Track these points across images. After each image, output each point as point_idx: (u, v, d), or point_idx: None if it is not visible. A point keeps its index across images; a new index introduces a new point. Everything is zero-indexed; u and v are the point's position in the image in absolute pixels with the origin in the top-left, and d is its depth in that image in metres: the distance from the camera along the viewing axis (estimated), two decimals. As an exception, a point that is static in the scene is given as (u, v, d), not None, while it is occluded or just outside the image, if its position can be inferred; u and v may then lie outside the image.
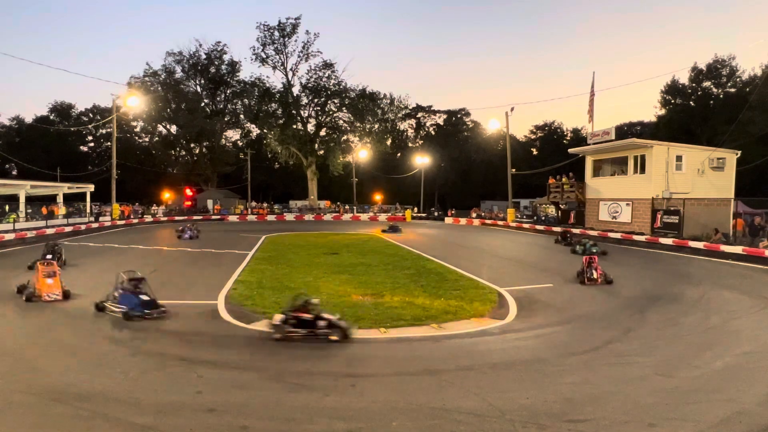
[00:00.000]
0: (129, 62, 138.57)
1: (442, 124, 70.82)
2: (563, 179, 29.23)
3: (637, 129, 60.41)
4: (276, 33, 46.66)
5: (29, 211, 26.98)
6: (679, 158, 23.48)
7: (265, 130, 49.89)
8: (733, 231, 19.81)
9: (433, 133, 70.40)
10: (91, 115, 64.35)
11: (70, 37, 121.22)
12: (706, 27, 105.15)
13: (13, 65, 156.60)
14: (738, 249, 16.91)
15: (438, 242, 23.59)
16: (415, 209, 47.97)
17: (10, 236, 20.22)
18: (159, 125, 57.61)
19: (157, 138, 59.85)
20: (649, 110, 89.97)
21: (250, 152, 54.63)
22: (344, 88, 48.30)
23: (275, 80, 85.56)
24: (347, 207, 47.73)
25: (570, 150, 29.66)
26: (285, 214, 44.00)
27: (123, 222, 32.63)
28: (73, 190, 32.39)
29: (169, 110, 54.10)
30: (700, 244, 18.44)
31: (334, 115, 50.37)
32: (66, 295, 9.78)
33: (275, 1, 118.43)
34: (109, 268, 14.19)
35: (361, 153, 49.94)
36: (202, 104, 57.05)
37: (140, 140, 64.21)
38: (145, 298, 8.58)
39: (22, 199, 26.37)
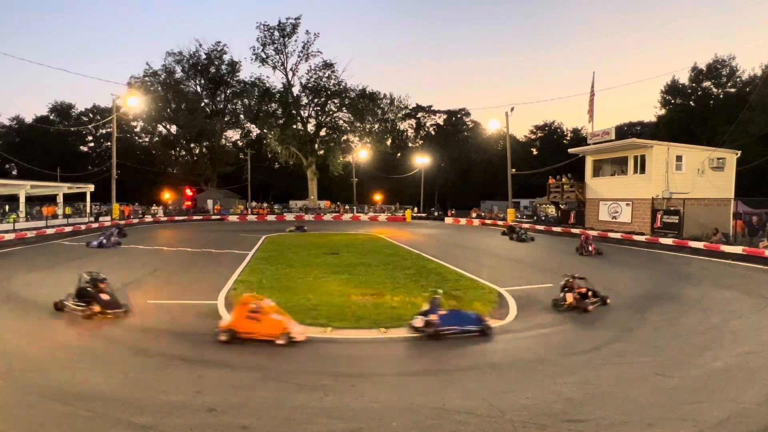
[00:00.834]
0: (129, 62, 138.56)
1: (442, 124, 70.83)
2: (563, 179, 29.22)
3: (637, 129, 60.43)
4: (276, 33, 46.72)
5: (35, 209, 27.07)
6: (679, 158, 23.48)
7: (265, 130, 49.90)
8: (733, 231, 19.82)
9: (433, 133, 70.42)
10: (91, 115, 64.37)
11: (70, 37, 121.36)
12: (706, 27, 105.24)
13: (13, 65, 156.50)
14: (738, 249, 16.91)
15: (438, 242, 23.58)
16: (415, 209, 47.98)
17: (10, 236, 20.22)
18: (159, 125, 57.63)
19: (157, 138, 59.87)
20: (649, 110, 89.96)
21: (250, 152, 54.63)
22: (344, 88, 48.36)
23: (275, 80, 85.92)
24: (347, 207, 47.73)
25: (570, 150, 29.65)
26: (285, 214, 44.03)
27: (123, 222, 32.59)
28: (73, 190, 32.39)
29: (169, 110, 54.12)
30: (700, 244, 18.44)
31: (334, 115, 50.41)
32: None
33: (275, 1, 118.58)
34: (109, 267, 14.21)
35: (361, 153, 49.95)
36: (202, 104, 57.07)
37: (140, 140, 64.23)
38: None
39: (22, 199, 26.37)
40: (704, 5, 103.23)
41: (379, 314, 8.85)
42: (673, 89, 51.87)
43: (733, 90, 47.77)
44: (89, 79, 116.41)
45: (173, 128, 57.07)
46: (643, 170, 23.73)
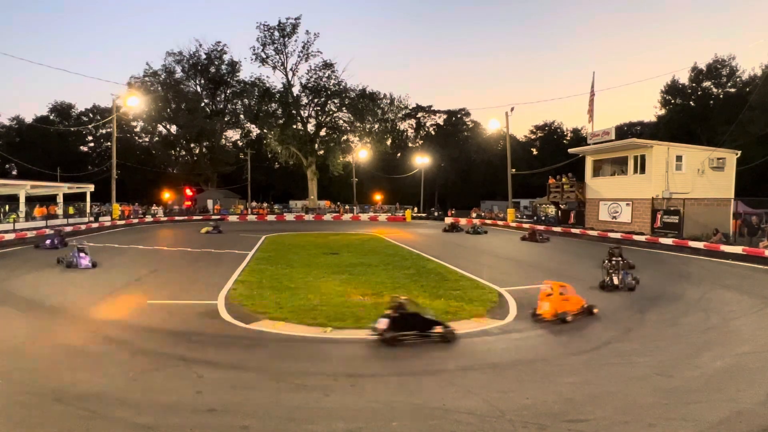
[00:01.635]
0: (129, 62, 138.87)
1: (442, 124, 70.86)
2: (563, 179, 29.22)
3: (637, 129, 60.46)
4: (276, 33, 46.72)
5: (39, 211, 27.07)
6: (679, 158, 23.49)
7: (265, 130, 49.90)
8: (733, 231, 19.82)
9: (433, 133, 70.44)
10: (91, 115, 64.41)
11: (70, 37, 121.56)
12: (706, 27, 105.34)
13: (13, 65, 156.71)
14: (738, 249, 16.90)
15: (438, 242, 23.58)
16: (415, 209, 47.98)
17: (10, 236, 20.23)
18: (159, 125, 57.68)
19: (157, 138, 59.90)
20: (649, 110, 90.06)
21: (250, 152, 54.65)
22: (344, 88, 48.35)
23: (275, 80, 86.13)
24: (347, 207, 47.73)
25: (570, 150, 29.66)
26: (285, 214, 44.02)
27: (123, 222, 32.64)
28: (73, 190, 32.39)
29: (169, 110, 54.15)
30: (700, 244, 18.44)
31: (334, 115, 50.40)
32: None
33: (275, 1, 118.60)
34: (109, 267, 14.22)
35: (361, 153, 49.96)
36: (202, 104, 57.10)
37: (140, 140, 64.26)
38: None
39: (22, 199, 26.36)
40: (704, 5, 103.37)
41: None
42: (673, 89, 51.90)
43: (733, 90, 47.79)
44: (89, 79, 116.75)
45: (173, 128, 57.12)
46: (643, 170, 23.73)
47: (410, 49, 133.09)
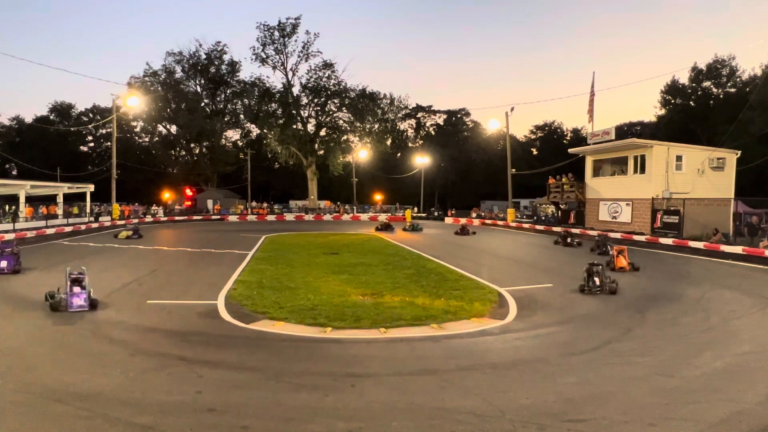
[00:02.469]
0: (129, 62, 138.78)
1: (442, 124, 70.82)
2: (563, 179, 29.22)
3: (637, 129, 60.44)
4: (276, 33, 46.70)
5: (38, 209, 27.05)
6: (679, 158, 23.47)
7: (265, 130, 49.89)
8: (733, 231, 19.81)
9: (433, 133, 70.40)
10: (91, 115, 64.36)
11: (70, 37, 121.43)
12: (706, 27, 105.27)
13: (13, 65, 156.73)
14: (738, 249, 16.89)
15: (438, 242, 23.59)
16: (415, 209, 47.95)
17: (10, 236, 20.21)
18: (159, 125, 57.62)
19: (157, 138, 59.85)
20: (649, 110, 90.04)
21: (250, 152, 54.62)
22: (344, 88, 48.35)
23: (275, 80, 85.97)
24: (347, 207, 47.72)
25: (570, 150, 29.65)
26: (285, 214, 44.01)
27: (123, 222, 32.59)
28: (73, 190, 32.41)
29: (169, 110, 54.11)
30: (700, 244, 18.43)
31: (334, 115, 50.40)
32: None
33: (275, 1, 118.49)
34: (108, 268, 14.22)
35: (361, 153, 49.93)
36: (202, 104, 57.05)
37: (140, 140, 64.19)
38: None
39: (22, 199, 26.39)
40: (704, 5, 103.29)
41: (378, 314, 8.85)
42: (673, 89, 51.88)
43: (733, 90, 47.78)
44: (89, 79, 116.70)
45: (173, 128, 57.08)
46: (643, 170, 23.72)
47: (410, 49, 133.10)
